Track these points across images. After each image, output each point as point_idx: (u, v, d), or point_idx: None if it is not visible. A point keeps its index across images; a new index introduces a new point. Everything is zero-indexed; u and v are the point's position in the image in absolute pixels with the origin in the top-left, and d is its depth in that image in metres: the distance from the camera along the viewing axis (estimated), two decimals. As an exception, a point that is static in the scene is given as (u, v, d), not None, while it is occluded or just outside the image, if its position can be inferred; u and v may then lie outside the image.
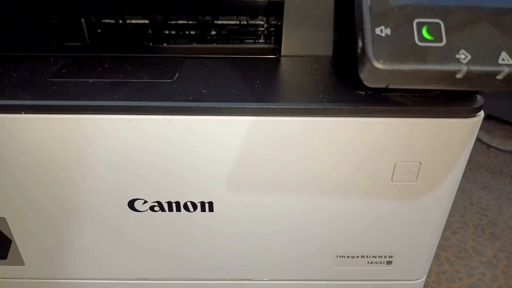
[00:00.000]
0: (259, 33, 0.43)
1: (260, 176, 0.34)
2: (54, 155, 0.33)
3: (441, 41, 0.24)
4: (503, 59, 0.23)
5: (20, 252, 0.40)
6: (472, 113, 0.31)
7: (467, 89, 0.25)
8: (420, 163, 0.34)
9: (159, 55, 0.40)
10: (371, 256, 0.41)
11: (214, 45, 0.43)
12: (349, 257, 0.41)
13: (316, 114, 0.31)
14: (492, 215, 0.84)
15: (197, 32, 0.43)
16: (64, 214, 0.37)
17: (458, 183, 0.37)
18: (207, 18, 0.42)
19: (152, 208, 0.37)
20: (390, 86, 0.26)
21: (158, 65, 0.37)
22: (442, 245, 0.75)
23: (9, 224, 0.38)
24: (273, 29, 0.43)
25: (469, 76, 0.24)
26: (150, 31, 0.43)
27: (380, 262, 0.41)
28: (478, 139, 1.09)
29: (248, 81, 0.34)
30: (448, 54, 0.24)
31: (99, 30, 0.42)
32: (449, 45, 0.24)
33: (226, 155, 0.33)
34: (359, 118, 0.31)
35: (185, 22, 0.42)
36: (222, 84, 0.34)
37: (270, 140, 0.32)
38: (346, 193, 0.36)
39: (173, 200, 0.36)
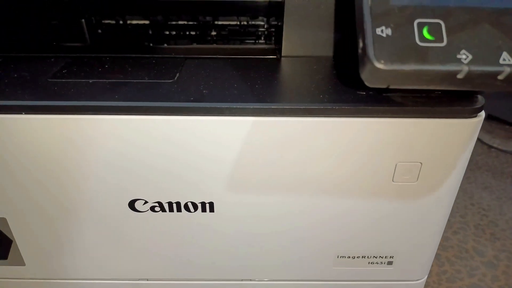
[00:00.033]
0: (260, 33, 0.43)
1: (261, 177, 0.34)
2: (54, 156, 0.33)
3: (442, 41, 0.24)
4: (504, 59, 0.23)
5: (21, 252, 0.40)
6: (473, 113, 0.31)
7: (468, 89, 0.25)
8: (421, 163, 0.34)
9: (159, 56, 0.40)
10: (372, 256, 0.41)
11: (215, 45, 0.43)
12: (349, 257, 0.41)
13: (317, 114, 0.31)
14: (492, 216, 0.84)
15: (198, 33, 0.43)
16: (65, 215, 0.37)
17: (459, 184, 0.37)
18: (208, 18, 0.42)
19: (152, 209, 0.37)
20: (391, 87, 0.26)
21: (159, 65, 0.37)
22: (443, 245, 0.75)
23: (9, 225, 0.38)
24: (273, 29, 0.43)
25: (470, 76, 0.24)
26: (150, 32, 0.43)
27: (381, 263, 0.41)
28: (479, 140, 1.09)
29: (248, 81, 0.34)
30: (449, 54, 0.24)
31: (99, 31, 0.42)
32: (450, 45, 0.24)
33: (226, 155, 0.33)
34: (360, 118, 0.31)
35: (185, 22, 0.42)
36: (222, 84, 0.34)
37: (271, 140, 0.32)
38: (347, 193, 0.36)
39: (173, 201, 0.36)
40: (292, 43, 0.38)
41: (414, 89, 0.30)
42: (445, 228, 0.40)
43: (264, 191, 0.35)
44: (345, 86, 0.33)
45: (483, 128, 0.33)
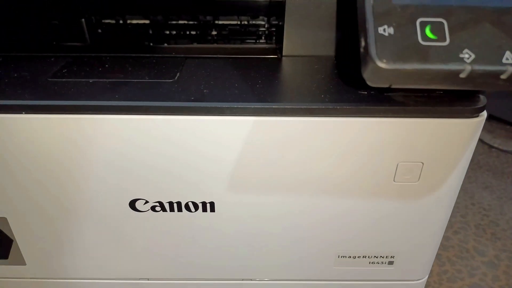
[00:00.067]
0: (260, 33, 0.43)
1: (262, 176, 0.34)
2: (55, 155, 0.33)
3: (444, 40, 0.24)
4: (507, 59, 0.23)
5: (21, 252, 0.40)
6: (475, 113, 0.31)
7: (470, 88, 0.25)
8: (423, 163, 0.33)
9: (159, 55, 0.39)
10: (373, 256, 0.41)
11: (215, 45, 0.43)
12: (350, 257, 0.41)
13: (318, 114, 0.31)
14: (493, 215, 0.84)
15: (198, 32, 0.43)
16: (65, 214, 0.37)
17: (461, 184, 0.37)
18: (208, 18, 0.42)
19: (153, 208, 0.36)
20: (393, 86, 0.26)
21: (159, 65, 0.37)
22: (444, 245, 0.75)
23: (10, 224, 0.38)
24: (274, 29, 0.42)
25: (472, 75, 0.23)
26: (150, 31, 0.42)
27: (382, 262, 0.41)
28: (479, 140, 1.09)
29: (249, 81, 0.34)
30: (451, 54, 0.23)
31: (99, 30, 0.42)
32: (453, 45, 0.24)
33: (227, 155, 0.33)
34: (361, 118, 0.31)
35: (185, 22, 0.42)
36: (223, 84, 0.33)
37: (272, 140, 0.32)
38: (348, 193, 0.35)
39: (174, 200, 0.36)
40: (293, 43, 0.38)
41: (415, 89, 0.30)
42: (445, 228, 0.40)
43: (265, 191, 0.35)
44: (346, 86, 0.33)
45: (484, 128, 0.33)
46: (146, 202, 0.36)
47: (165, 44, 0.43)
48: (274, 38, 0.43)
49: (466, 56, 0.23)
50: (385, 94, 0.31)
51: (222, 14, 0.42)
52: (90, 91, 0.32)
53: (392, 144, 0.32)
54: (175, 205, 0.36)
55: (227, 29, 0.42)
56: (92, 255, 0.40)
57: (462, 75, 0.24)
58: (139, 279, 0.43)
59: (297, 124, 0.31)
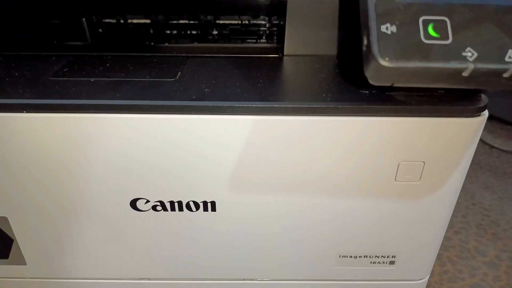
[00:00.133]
0: (261, 32, 0.43)
1: (263, 176, 0.34)
2: (56, 154, 0.33)
3: (447, 38, 0.24)
4: (509, 57, 0.23)
5: (22, 251, 0.40)
6: (476, 113, 0.31)
7: (473, 87, 0.25)
8: (424, 162, 0.33)
9: (161, 54, 0.39)
10: (374, 256, 0.41)
11: (216, 44, 0.43)
12: (351, 257, 0.41)
13: (320, 113, 0.31)
14: (494, 215, 0.84)
15: (199, 32, 0.43)
16: (66, 214, 0.37)
17: (462, 183, 0.37)
18: (209, 17, 0.42)
19: (154, 208, 0.36)
20: (395, 85, 0.25)
21: (160, 64, 0.37)
22: (444, 245, 0.75)
23: (10, 224, 0.38)
24: (275, 28, 0.42)
25: (475, 74, 0.23)
26: (151, 31, 0.42)
27: (383, 262, 0.41)
28: (480, 139, 1.09)
29: (250, 80, 0.34)
30: (454, 52, 0.23)
31: (100, 30, 0.42)
32: (456, 43, 0.24)
33: (229, 154, 0.33)
34: (363, 117, 0.31)
35: (186, 21, 0.42)
36: (224, 83, 0.33)
37: (273, 139, 0.32)
38: (349, 192, 0.35)
39: (175, 200, 0.36)
40: (295, 42, 0.38)
41: (417, 88, 0.30)
42: (446, 228, 0.40)
43: (267, 190, 0.35)
44: (348, 85, 0.33)
45: (484, 128, 0.33)
46: (147, 201, 0.36)
47: (166, 44, 0.43)
48: (275, 37, 0.43)
49: (469, 54, 0.23)
50: (387, 93, 0.31)
51: (223, 14, 0.42)
52: (91, 90, 0.32)
53: (393, 143, 0.32)
54: (176, 204, 0.36)
55: (228, 28, 0.42)
56: (93, 255, 0.40)
57: (464, 74, 0.23)
58: (140, 279, 0.43)
59: (299, 123, 0.31)
